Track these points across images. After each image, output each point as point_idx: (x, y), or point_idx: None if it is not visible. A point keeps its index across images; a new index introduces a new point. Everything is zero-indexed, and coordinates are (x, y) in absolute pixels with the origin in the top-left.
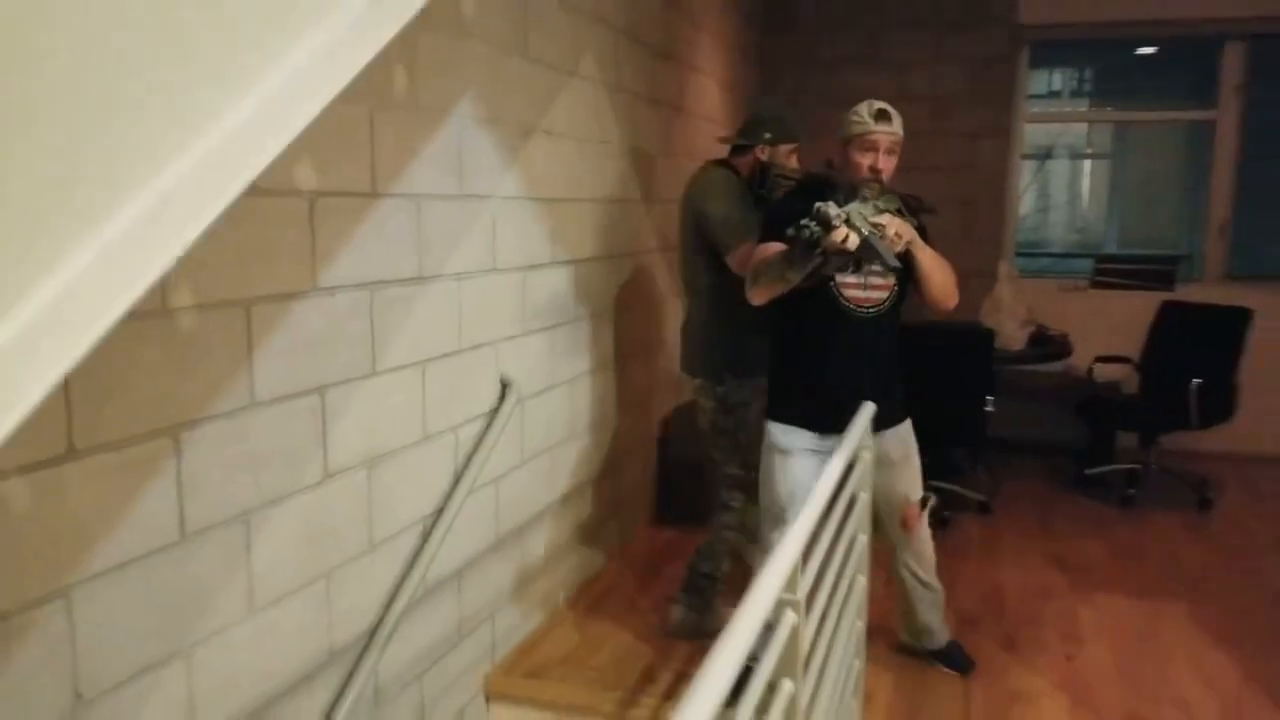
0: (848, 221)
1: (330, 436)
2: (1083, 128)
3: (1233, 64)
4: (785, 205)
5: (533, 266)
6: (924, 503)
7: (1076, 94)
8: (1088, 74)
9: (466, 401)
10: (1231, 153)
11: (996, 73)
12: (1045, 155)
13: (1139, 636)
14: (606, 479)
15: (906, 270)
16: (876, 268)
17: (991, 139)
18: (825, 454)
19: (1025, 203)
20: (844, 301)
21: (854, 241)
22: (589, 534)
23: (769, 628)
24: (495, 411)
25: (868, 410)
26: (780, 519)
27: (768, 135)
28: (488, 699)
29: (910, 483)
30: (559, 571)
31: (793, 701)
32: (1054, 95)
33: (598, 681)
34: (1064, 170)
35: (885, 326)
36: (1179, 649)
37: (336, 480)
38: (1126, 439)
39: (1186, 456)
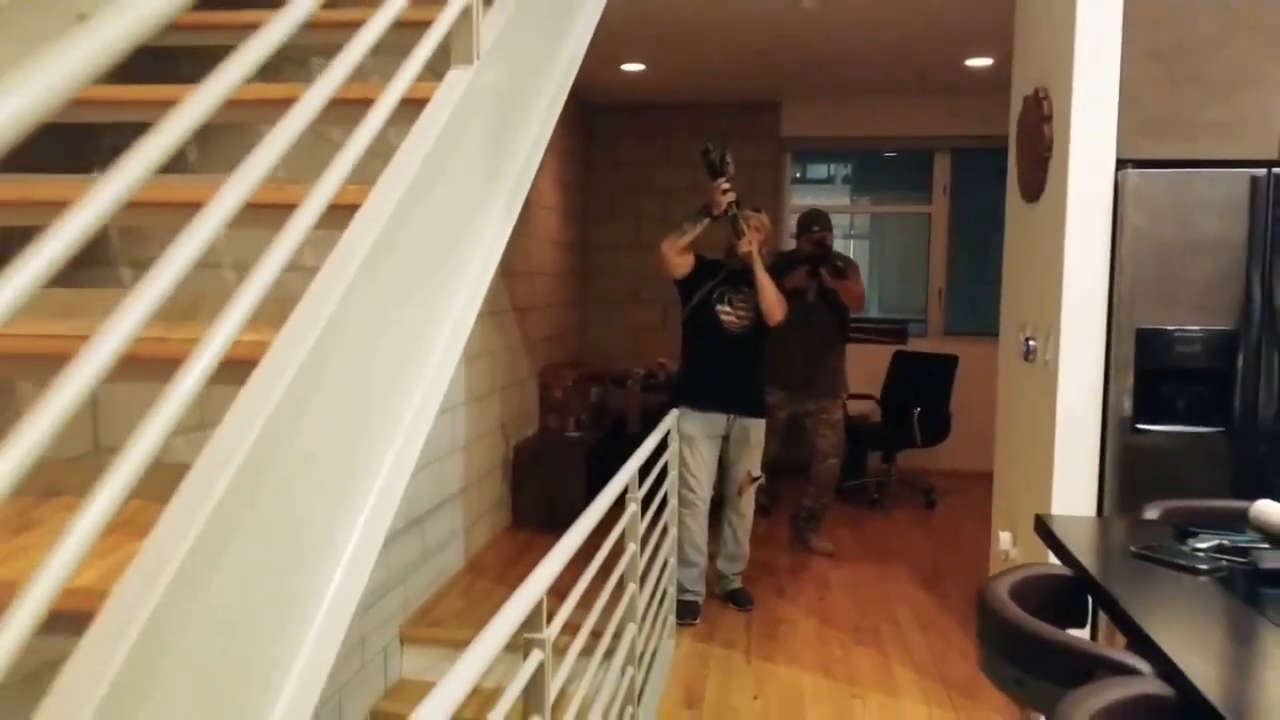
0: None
1: None
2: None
3: (941, 169)
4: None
5: None
6: (754, 479)
7: (845, 181)
8: (849, 169)
9: None
10: (943, 237)
11: (768, 173)
12: None
13: (871, 586)
14: (475, 487)
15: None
16: (741, 300)
17: None
18: (715, 438)
19: None
20: (721, 324)
21: (731, 197)
22: (466, 529)
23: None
24: None
25: (671, 417)
26: (683, 481)
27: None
28: (401, 642)
29: (753, 462)
30: (447, 553)
31: (634, 559)
32: (829, 181)
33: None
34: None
35: (749, 343)
36: (897, 593)
37: None
38: (874, 458)
39: (918, 472)
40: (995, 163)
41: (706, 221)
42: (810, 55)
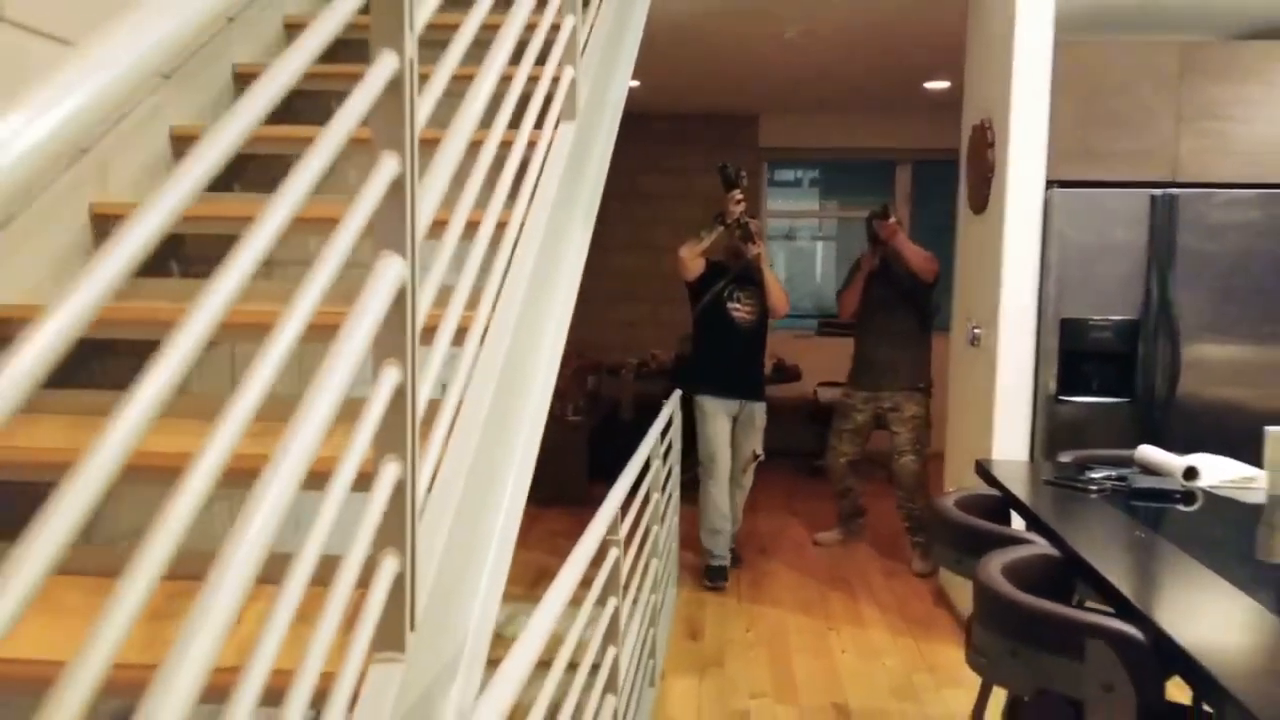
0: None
1: None
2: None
3: (903, 180)
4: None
5: None
6: (757, 456)
7: (814, 184)
8: (819, 174)
9: None
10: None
11: (748, 180)
12: (789, 236)
13: (842, 546)
14: None
15: (761, 294)
16: (747, 296)
17: None
18: (729, 415)
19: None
20: (731, 317)
21: (743, 207)
22: None
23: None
24: None
25: (674, 401)
26: (710, 456)
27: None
28: None
29: (756, 441)
30: None
31: (656, 505)
32: (797, 185)
33: (511, 578)
34: (810, 249)
35: (756, 335)
36: (866, 551)
37: None
38: None
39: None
40: (951, 175)
41: (721, 229)
42: (787, 76)
